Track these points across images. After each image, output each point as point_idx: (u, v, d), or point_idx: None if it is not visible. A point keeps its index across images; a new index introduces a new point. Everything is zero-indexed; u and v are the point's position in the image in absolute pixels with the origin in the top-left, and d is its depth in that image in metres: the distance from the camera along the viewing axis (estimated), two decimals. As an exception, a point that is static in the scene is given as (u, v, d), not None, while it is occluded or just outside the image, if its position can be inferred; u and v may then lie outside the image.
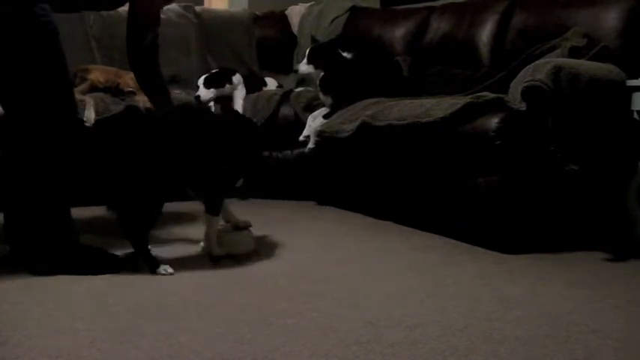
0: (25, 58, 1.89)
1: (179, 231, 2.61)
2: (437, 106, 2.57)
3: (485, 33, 3.36)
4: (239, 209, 2.52)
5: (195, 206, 3.16)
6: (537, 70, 2.33)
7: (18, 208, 1.98)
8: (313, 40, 3.84)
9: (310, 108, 3.46)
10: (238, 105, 3.57)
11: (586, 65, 2.47)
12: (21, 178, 1.94)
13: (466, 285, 1.96)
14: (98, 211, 2.98)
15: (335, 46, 3.41)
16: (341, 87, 3.29)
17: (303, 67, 3.37)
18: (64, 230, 1.99)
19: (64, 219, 2.00)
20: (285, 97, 3.62)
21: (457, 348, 1.44)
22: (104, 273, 1.96)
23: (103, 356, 1.36)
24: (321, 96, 3.37)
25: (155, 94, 2.30)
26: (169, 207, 3.14)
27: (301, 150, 3.39)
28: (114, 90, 3.27)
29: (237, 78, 3.65)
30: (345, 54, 3.37)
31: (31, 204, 1.95)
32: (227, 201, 2.31)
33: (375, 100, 3.07)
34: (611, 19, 2.81)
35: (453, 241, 2.55)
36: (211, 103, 3.54)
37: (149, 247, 2.02)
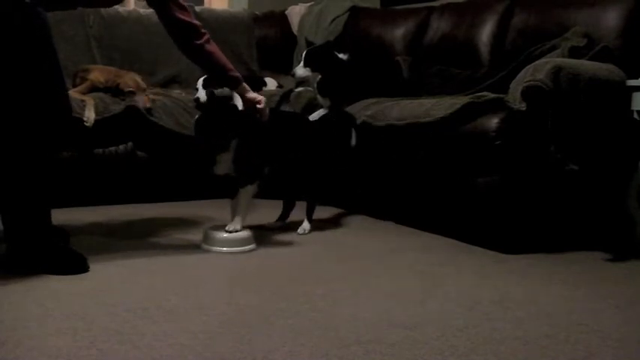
0: (21, 59, 1.89)
1: (179, 231, 2.61)
2: (437, 106, 2.57)
3: (485, 33, 3.35)
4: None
5: (194, 208, 3.16)
6: (537, 70, 2.33)
7: (5, 207, 1.99)
8: (308, 42, 3.82)
9: (310, 108, 3.46)
10: (238, 105, 3.56)
11: (586, 65, 2.47)
12: (6, 176, 1.94)
13: (466, 285, 1.96)
14: (97, 211, 3.00)
15: (331, 48, 3.39)
16: (338, 89, 3.28)
17: (300, 71, 3.35)
18: (42, 229, 1.99)
19: (43, 218, 2.00)
20: (285, 97, 3.62)
21: (457, 348, 1.44)
22: (73, 273, 1.96)
23: (103, 356, 1.36)
24: (319, 98, 3.36)
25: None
26: (169, 209, 3.15)
27: None
28: (114, 90, 3.27)
29: (236, 78, 3.63)
30: (341, 55, 3.36)
31: (12, 201, 1.96)
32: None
33: (374, 100, 3.07)
34: (611, 19, 2.81)
35: (453, 241, 2.55)
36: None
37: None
